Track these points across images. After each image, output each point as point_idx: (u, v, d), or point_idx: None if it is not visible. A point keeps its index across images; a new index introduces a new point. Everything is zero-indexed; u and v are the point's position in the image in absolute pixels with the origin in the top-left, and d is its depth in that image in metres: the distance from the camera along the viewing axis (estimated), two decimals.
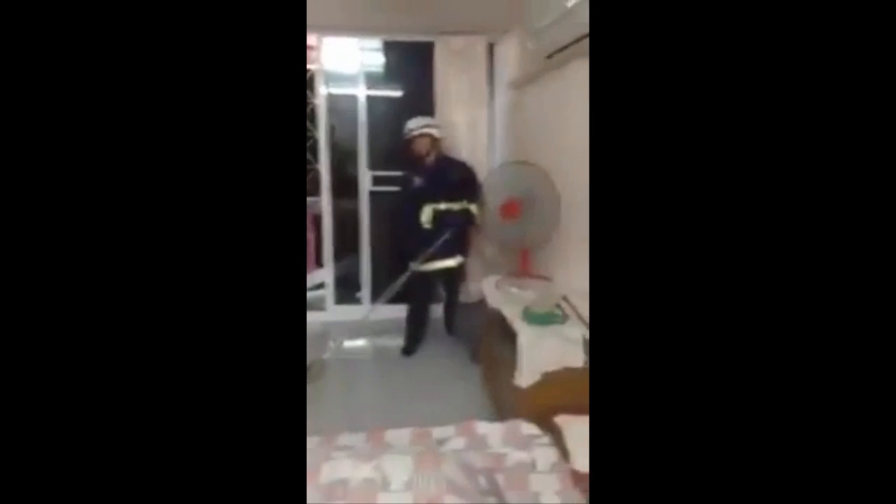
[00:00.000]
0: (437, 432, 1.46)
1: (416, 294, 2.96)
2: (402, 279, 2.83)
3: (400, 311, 3.03)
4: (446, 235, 2.77)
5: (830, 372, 0.55)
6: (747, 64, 0.57)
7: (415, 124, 2.83)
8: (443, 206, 2.82)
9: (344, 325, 3.13)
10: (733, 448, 0.57)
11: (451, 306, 3.12)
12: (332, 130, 3.34)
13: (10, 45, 0.55)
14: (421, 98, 3.29)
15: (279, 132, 0.65)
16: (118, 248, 0.58)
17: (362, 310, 3.26)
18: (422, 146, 2.84)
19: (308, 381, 2.55)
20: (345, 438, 1.44)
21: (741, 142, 0.58)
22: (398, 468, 1.15)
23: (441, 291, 3.14)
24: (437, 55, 3.19)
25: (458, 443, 1.42)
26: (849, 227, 0.55)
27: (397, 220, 3.11)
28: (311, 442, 1.45)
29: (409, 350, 2.96)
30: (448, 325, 3.14)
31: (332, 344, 2.87)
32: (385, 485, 1.10)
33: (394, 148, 3.33)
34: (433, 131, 2.85)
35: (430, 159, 2.87)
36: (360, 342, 3.13)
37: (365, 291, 3.46)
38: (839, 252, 0.56)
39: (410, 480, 1.12)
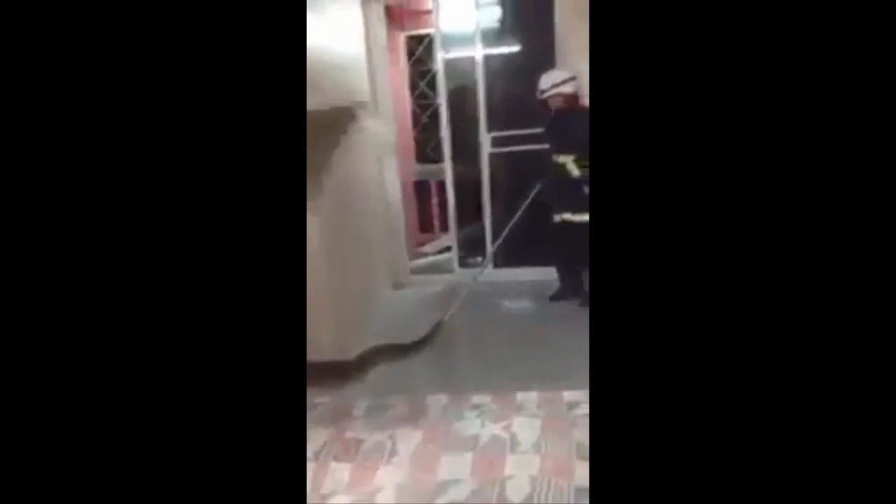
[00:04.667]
0: (568, 395, 1.44)
1: (560, 245, 2.93)
2: (516, 217, 2.86)
3: (525, 275, 2.95)
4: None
5: (829, 372, 0.55)
6: (751, 64, 0.57)
7: (545, 84, 2.78)
8: (562, 159, 2.78)
9: (469, 286, 3.18)
10: (735, 448, 0.57)
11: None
12: (450, 95, 3.34)
13: (11, 44, 0.55)
14: (541, 53, 3.14)
15: (279, 124, 0.64)
16: (118, 242, 0.58)
17: (488, 273, 3.29)
18: (555, 104, 2.80)
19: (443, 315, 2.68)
20: (475, 398, 1.48)
21: (742, 144, 0.58)
22: (527, 430, 1.16)
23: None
24: (557, 3, 3.01)
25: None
26: (848, 222, 0.55)
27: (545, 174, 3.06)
28: (443, 399, 1.52)
29: (554, 296, 2.99)
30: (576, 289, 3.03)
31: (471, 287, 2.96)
32: (514, 445, 1.12)
33: (510, 108, 3.25)
34: (564, 89, 2.77)
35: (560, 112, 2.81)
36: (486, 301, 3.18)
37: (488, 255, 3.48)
38: (838, 243, 0.55)
39: (538, 442, 1.13)
